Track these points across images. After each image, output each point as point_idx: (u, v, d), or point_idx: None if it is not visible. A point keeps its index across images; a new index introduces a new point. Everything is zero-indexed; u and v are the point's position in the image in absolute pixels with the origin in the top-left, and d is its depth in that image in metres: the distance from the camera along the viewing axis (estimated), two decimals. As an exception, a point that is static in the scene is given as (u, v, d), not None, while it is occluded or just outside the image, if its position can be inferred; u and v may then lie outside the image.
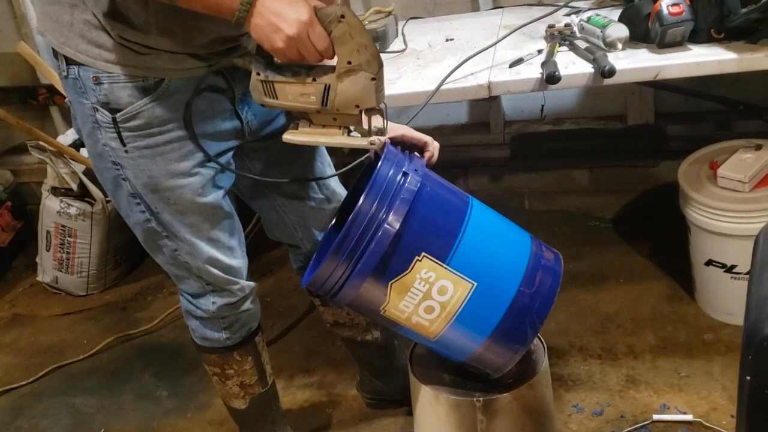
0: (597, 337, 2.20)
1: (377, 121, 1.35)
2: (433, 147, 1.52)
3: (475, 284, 1.38)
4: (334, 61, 1.27)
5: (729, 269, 2.05)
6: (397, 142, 1.45)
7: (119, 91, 1.35)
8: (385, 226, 1.30)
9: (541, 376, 1.55)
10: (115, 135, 1.38)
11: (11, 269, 3.24)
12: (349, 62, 1.24)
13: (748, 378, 1.07)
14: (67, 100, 1.45)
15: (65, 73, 1.38)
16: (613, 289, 2.39)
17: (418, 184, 1.34)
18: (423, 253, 1.35)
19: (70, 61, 1.36)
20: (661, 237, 2.53)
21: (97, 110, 1.37)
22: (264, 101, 1.33)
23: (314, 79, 1.27)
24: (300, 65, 1.29)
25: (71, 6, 1.31)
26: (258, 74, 1.30)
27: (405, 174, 1.35)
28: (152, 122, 1.37)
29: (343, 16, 1.21)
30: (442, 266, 1.36)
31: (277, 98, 1.31)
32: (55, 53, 1.38)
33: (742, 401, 1.09)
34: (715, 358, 2.04)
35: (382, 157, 1.35)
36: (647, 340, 2.15)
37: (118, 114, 1.36)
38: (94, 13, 1.30)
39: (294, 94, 1.29)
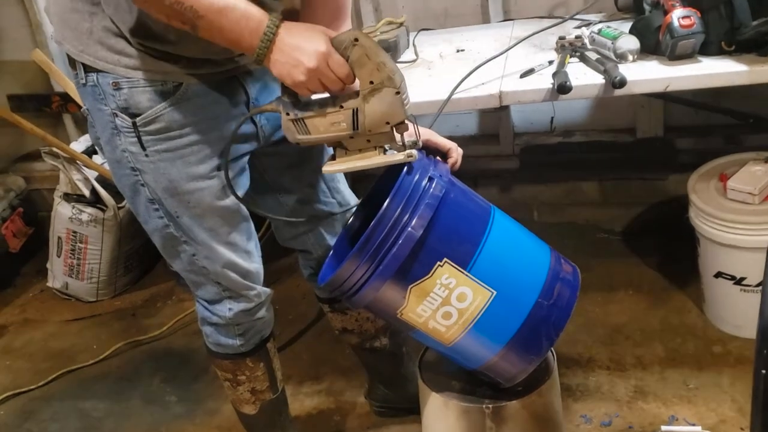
0: (605, 348, 2.20)
1: (409, 134, 1.36)
2: (457, 153, 1.53)
3: (495, 293, 1.38)
4: (356, 85, 1.28)
5: (738, 281, 2.05)
6: (422, 146, 1.46)
7: (139, 96, 1.36)
8: (409, 229, 1.31)
9: (551, 384, 1.55)
10: (135, 139, 1.40)
11: (22, 275, 3.26)
12: (371, 82, 1.26)
13: (764, 372, 1.10)
14: (84, 108, 1.46)
15: (83, 81, 1.39)
16: (622, 300, 2.40)
17: (443, 190, 1.35)
18: (445, 259, 1.35)
19: (88, 69, 1.37)
20: (670, 250, 2.53)
21: (117, 116, 1.38)
22: (298, 139, 1.34)
23: (341, 106, 1.29)
24: (324, 96, 1.31)
25: (90, 14, 1.34)
26: (288, 114, 1.32)
27: (431, 179, 1.35)
28: (172, 126, 1.39)
29: (356, 40, 1.23)
30: (463, 273, 1.36)
31: (310, 133, 1.33)
32: (73, 62, 1.40)
33: (757, 395, 1.12)
34: (724, 370, 2.04)
35: None
36: (656, 352, 2.15)
37: (138, 118, 1.38)
38: (113, 20, 1.32)
39: (325, 125, 1.31)
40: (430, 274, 1.35)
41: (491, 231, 1.40)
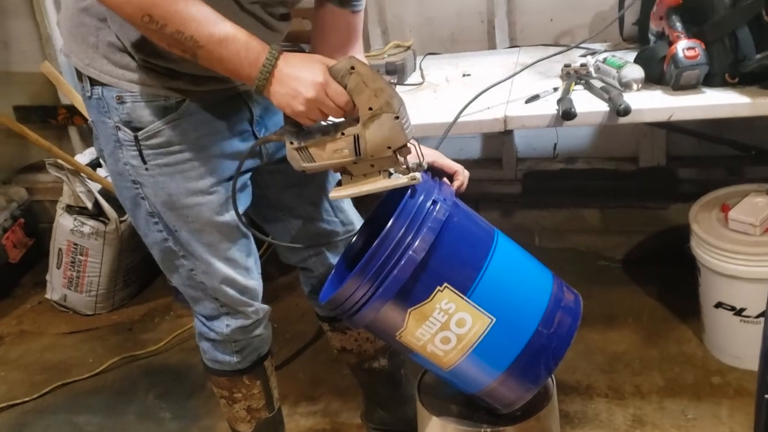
0: (604, 376, 2.19)
1: (413, 157, 1.37)
2: (464, 176, 1.53)
3: (494, 320, 1.37)
4: (356, 112, 1.30)
5: (738, 312, 2.05)
6: (428, 167, 1.46)
7: (141, 110, 1.38)
8: (411, 252, 1.31)
9: (549, 410, 1.54)
10: (137, 153, 1.41)
11: (20, 286, 3.26)
12: (370, 108, 1.27)
13: (767, 397, 1.10)
14: (89, 120, 1.48)
15: (89, 94, 1.41)
16: (622, 328, 2.39)
17: (447, 214, 1.35)
18: (445, 284, 1.34)
19: (94, 82, 1.39)
20: (670, 279, 2.53)
21: (120, 129, 1.40)
22: (304, 167, 1.36)
23: (342, 134, 1.30)
24: (326, 124, 1.32)
25: (97, 29, 1.35)
26: (292, 143, 1.33)
27: (435, 202, 1.35)
28: (173, 141, 1.40)
29: (353, 68, 1.25)
30: (462, 298, 1.35)
31: (314, 161, 1.34)
32: (80, 75, 1.42)
33: (759, 422, 1.12)
34: (722, 401, 2.03)
35: None
36: (654, 381, 2.14)
37: (140, 132, 1.39)
38: (118, 36, 1.34)
39: (328, 152, 1.32)
40: (429, 299, 1.35)
41: (493, 257, 1.39)
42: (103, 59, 1.36)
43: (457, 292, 1.35)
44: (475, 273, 1.36)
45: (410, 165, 1.36)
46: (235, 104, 1.47)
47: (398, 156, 1.33)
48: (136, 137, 1.39)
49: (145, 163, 1.41)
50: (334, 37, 1.54)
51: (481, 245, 1.41)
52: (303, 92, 1.24)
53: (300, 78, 1.24)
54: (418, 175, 1.35)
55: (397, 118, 1.28)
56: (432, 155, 1.51)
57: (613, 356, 2.27)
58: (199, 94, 1.40)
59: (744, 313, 2.04)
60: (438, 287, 1.34)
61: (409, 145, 1.33)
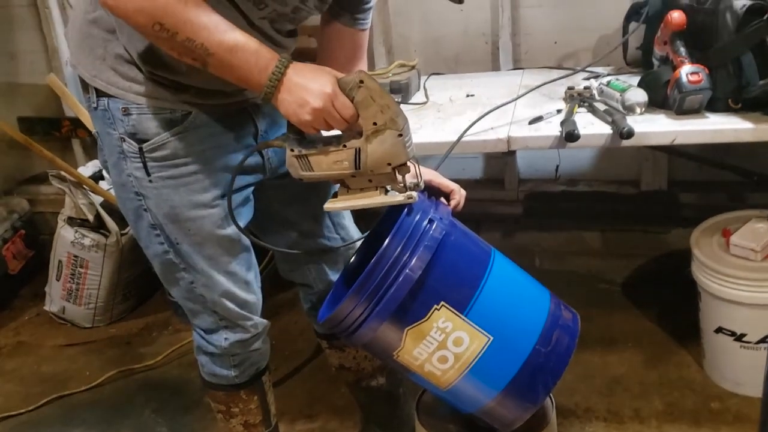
0: (603, 400, 2.18)
1: (411, 176, 1.38)
2: (460, 195, 1.54)
3: (492, 338, 1.37)
4: (360, 125, 1.30)
5: (739, 337, 2.04)
6: (425, 187, 1.47)
7: (147, 122, 1.38)
8: (407, 271, 1.31)
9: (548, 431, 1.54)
10: (141, 165, 1.41)
11: (19, 297, 3.24)
12: (375, 123, 1.28)
13: None
14: (94, 131, 1.49)
15: (95, 105, 1.42)
16: (621, 352, 2.38)
17: (443, 232, 1.35)
18: (442, 302, 1.35)
19: (100, 93, 1.40)
20: (670, 303, 2.52)
21: (125, 140, 1.40)
22: (302, 175, 1.36)
23: (344, 146, 1.31)
24: (329, 135, 1.33)
25: (104, 40, 1.36)
26: (292, 151, 1.34)
27: (431, 221, 1.36)
28: (177, 153, 1.40)
29: (362, 82, 1.26)
30: (460, 317, 1.35)
31: (313, 170, 1.35)
32: (86, 86, 1.42)
33: None
34: (721, 428, 2.01)
35: None
36: (654, 405, 2.13)
37: (145, 144, 1.39)
38: (126, 48, 1.35)
39: (328, 163, 1.33)
40: (426, 317, 1.35)
41: (490, 276, 1.40)
42: (110, 71, 1.37)
43: (454, 310, 1.35)
44: (472, 291, 1.37)
45: (408, 184, 1.37)
46: (241, 118, 1.48)
47: (397, 173, 1.34)
48: (140, 149, 1.39)
49: (149, 175, 1.42)
50: (340, 54, 1.55)
51: (478, 264, 1.41)
52: (311, 102, 1.25)
53: (308, 88, 1.25)
54: (414, 194, 1.36)
55: (400, 135, 1.28)
56: (429, 174, 1.51)
57: (613, 380, 2.26)
58: (205, 107, 1.41)
59: (744, 339, 2.03)
60: (435, 306, 1.35)
61: (408, 163, 1.34)
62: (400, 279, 1.31)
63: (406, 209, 1.36)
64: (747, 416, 2.03)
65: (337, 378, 1.99)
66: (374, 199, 1.36)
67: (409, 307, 1.34)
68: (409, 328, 1.36)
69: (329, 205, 1.40)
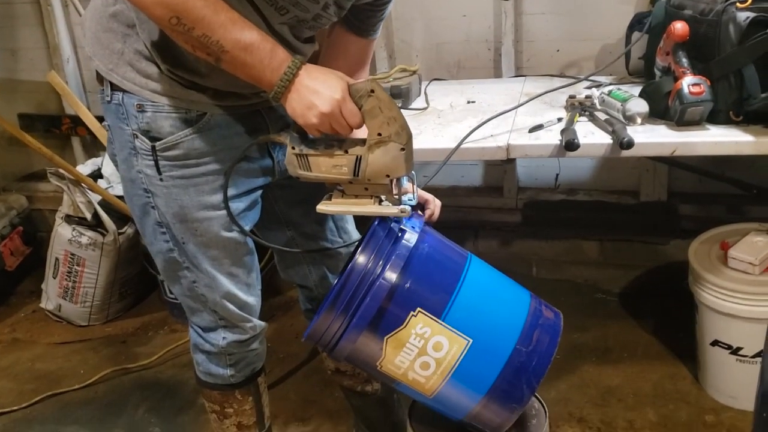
0: (597, 410, 2.17)
1: (406, 191, 1.38)
2: (434, 205, 1.55)
3: (471, 341, 1.37)
4: (363, 132, 1.31)
5: (735, 351, 2.04)
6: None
7: (162, 121, 1.38)
8: (381, 280, 1.32)
9: (541, 440, 1.53)
10: (152, 163, 1.41)
11: (15, 294, 3.24)
12: (380, 134, 1.29)
13: None
14: (105, 124, 1.48)
15: (108, 99, 1.41)
16: (616, 362, 2.38)
17: (416, 241, 1.36)
18: (418, 309, 1.35)
19: (115, 87, 1.40)
20: (667, 315, 2.52)
21: (137, 137, 1.40)
22: (299, 174, 1.37)
23: (346, 151, 1.31)
24: (332, 138, 1.33)
25: (124, 35, 1.36)
26: (293, 148, 1.34)
27: (402, 230, 1.37)
28: (190, 154, 1.41)
29: (372, 91, 1.26)
30: (437, 322, 1.36)
31: (311, 171, 1.35)
32: (101, 78, 1.42)
33: None
34: (716, 441, 2.01)
35: None
36: (647, 417, 2.12)
37: (158, 143, 1.39)
38: (146, 44, 1.35)
39: (327, 166, 1.33)
40: (404, 324, 1.36)
41: (465, 280, 1.40)
42: (128, 66, 1.37)
43: (431, 316, 1.36)
44: (448, 296, 1.38)
45: (403, 198, 1.38)
46: (255, 121, 1.48)
47: (393, 186, 1.35)
48: (153, 147, 1.39)
49: (160, 173, 1.42)
50: (343, 61, 1.55)
51: (453, 269, 1.42)
52: (319, 106, 1.25)
53: (318, 91, 1.25)
54: (407, 208, 1.36)
55: (402, 149, 1.29)
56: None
57: (607, 390, 2.25)
58: (220, 108, 1.41)
59: (740, 353, 2.03)
60: (412, 312, 1.35)
61: (406, 179, 1.35)
62: (374, 288, 1.32)
63: (377, 220, 1.37)
64: (741, 430, 2.03)
65: (331, 381, 1.98)
66: (368, 208, 1.37)
67: (385, 316, 1.35)
68: (388, 336, 1.36)
69: (322, 207, 1.41)
